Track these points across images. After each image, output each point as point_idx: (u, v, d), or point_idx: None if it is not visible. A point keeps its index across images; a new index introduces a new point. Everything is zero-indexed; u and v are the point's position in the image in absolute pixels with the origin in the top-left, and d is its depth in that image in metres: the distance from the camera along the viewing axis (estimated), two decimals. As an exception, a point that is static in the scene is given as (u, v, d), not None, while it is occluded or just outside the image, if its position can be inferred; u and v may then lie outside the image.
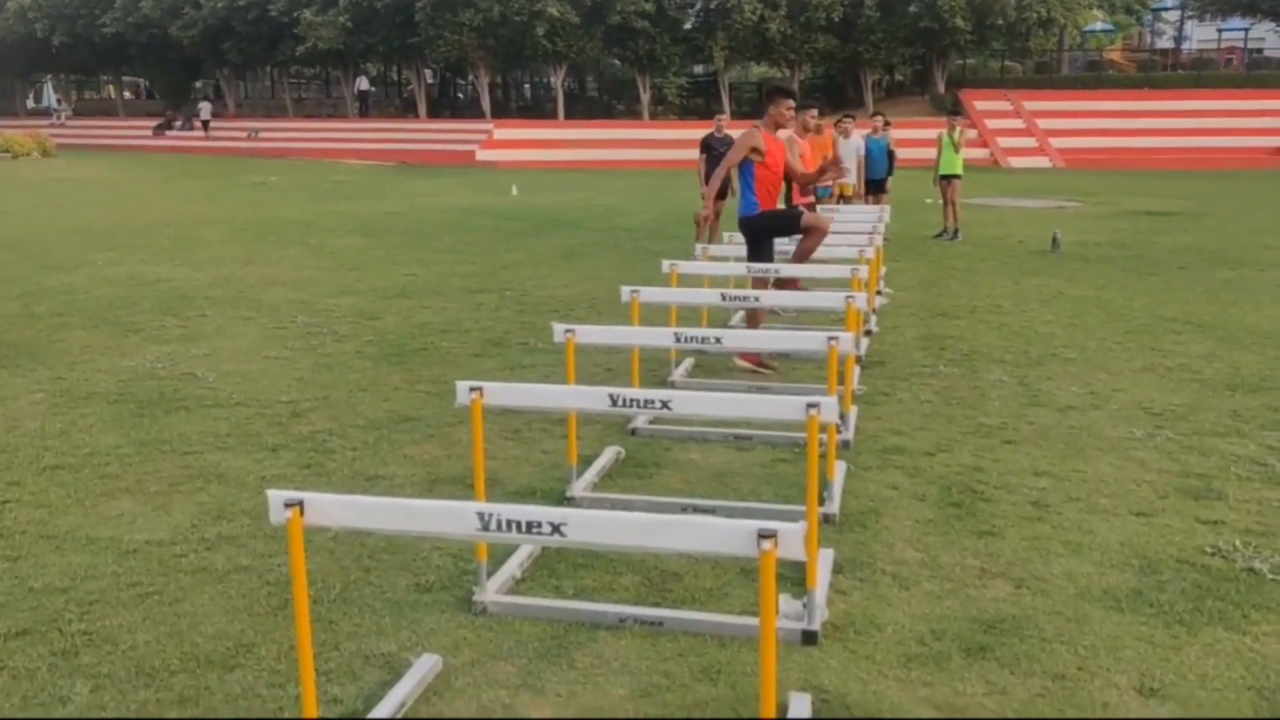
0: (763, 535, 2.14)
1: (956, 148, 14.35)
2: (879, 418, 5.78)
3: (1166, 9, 49.12)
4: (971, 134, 23.49)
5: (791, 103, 6.92)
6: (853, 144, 13.12)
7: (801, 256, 7.15)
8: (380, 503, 2.52)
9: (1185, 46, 46.52)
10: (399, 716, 2.84)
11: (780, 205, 7.71)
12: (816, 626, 3.28)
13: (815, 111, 9.96)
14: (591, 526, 2.27)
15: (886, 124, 14.49)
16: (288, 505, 2.42)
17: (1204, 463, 5.01)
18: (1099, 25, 46.42)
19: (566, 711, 2.90)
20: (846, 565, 3.85)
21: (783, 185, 7.59)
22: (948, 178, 14.24)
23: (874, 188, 13.76)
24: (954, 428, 5.59)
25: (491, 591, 3.51)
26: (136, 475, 4.80)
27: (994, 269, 11.46)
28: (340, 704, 2.92)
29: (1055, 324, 8.40)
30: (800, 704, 2.87)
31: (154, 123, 43.87)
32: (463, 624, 3.40)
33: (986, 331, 8.11)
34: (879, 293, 9.45)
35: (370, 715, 2.83)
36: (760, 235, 6.97)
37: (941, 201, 14.45)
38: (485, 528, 2.31)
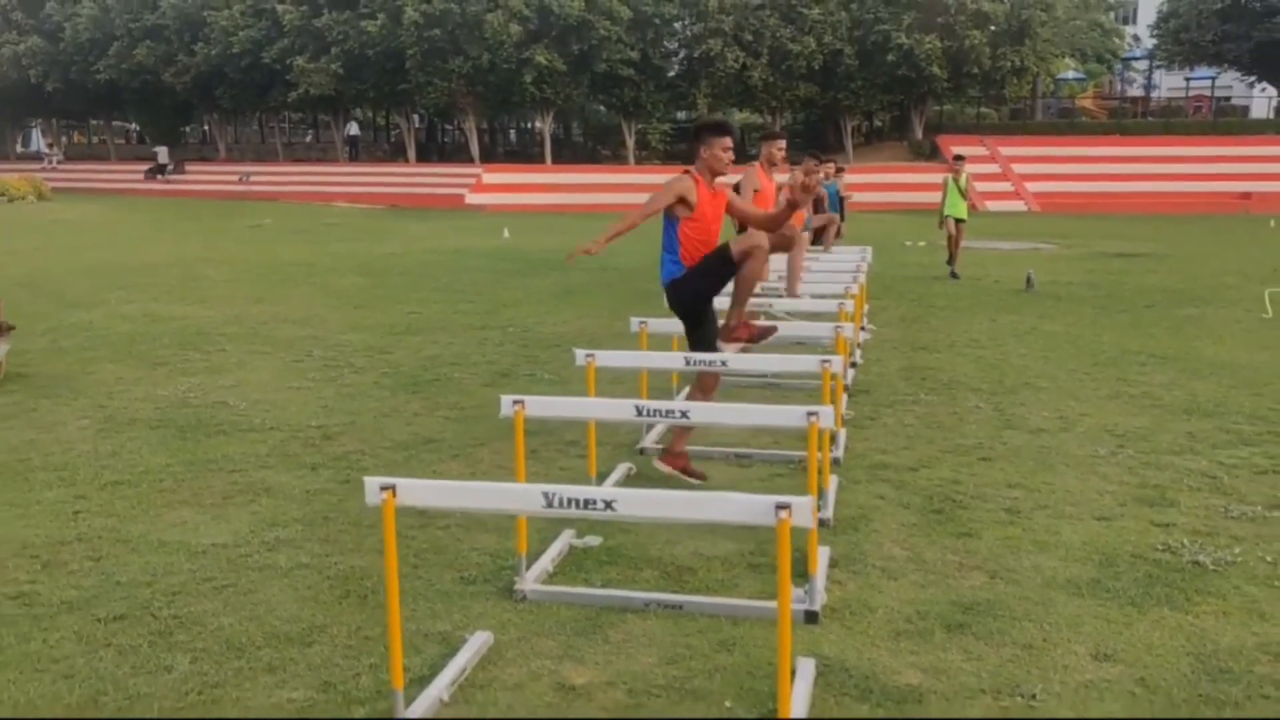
0: (779, 506, 2.64)
1: (963, 193, 14.88)
2: (866, 439, 6.29)
3: (1136, 58, 50.67)
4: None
5: (728, 141, 5.35)
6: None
7: (746, 284, 5.38)
8: (462, 485, 3.02)
9: (1155, 95, 47.94)
10: (462, 680, 3.30)
11: None
12: (817, 607, 3.77)
13: (782, 144, 8.13)
14: (638, 502, 2.76)
15: (839, 170, 14.95)
16: (383, 489, 2.89)
17: (1160, 476, 5.54)
18: (1071, 74, 47.85)
19: (604, 675, 3.37)
20: (841, 561, 4.34)
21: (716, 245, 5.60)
22: (953, 219, 14.79)
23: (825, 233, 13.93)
24: (934, 447, 6.11)
25: (530, 581, 3.98)
26: (191, 490, 5.25)
27: (971, 307, 12.06)
28: (409, 671, 3.38)
29: (1029, 357, 8.97)
30: (806, 666, 3.35)
31: (145, 166, 44.37)
32: (506, 608, 3.87)
33: (964, 363, 8.66)
34: (862, 328, 10.02)
35: (435, 678, 3.29)
36: (695, 302, 5.48)
37: (946, 241, 15.04)
38: (550, 505, 2.80)
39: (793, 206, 5.55)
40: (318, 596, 3.97)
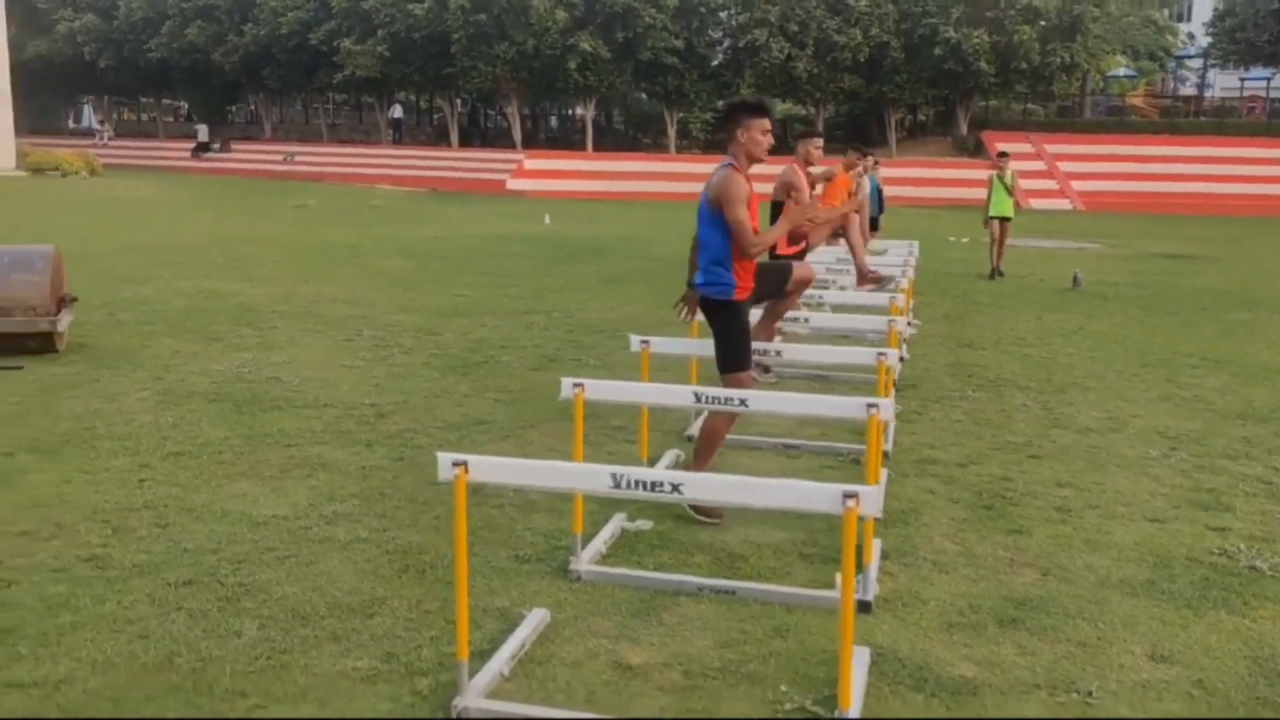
0: (847, 495, 2.68)
1: (1009, 190, 14.62)
2: (914, 434, 6.29)
3: (1190, 56, 49.86)
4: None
5: (767, 123, 4.70)
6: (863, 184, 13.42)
7: (783, 312, 5.88)
8: (531, 464, 3.08)
9: (1208, 94, 47.13)
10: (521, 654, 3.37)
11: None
12: (870, 597, 3.80)
13: (819, 142, 7.82)
14: (705, 486, 2.81)
15: (875, 163, 14.80)
16: (455, 465, 2.95)
17: (1214, 480, 5.51)
18: (1122, 71, 47.15)
19: (661, 656, 3.42)
20: (891, 554, 4.36)
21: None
22: (998, 219, 14.54)
23: (871, 225, 13.76)
24: (983, 444, 6.10)
25: (585, 562, 4.04)
26: (250, 462, 5.37)
27: (1017, 305, 11.98)
28: (469, 645, 3.45)
29: (1076, 356, 8.91)
30: (861, 655, 3.38)
31: (192, 144, 44.93)
32: (561, 588, 3.93)
33: (1011, 361, 8.62)
34: (908, 323, 9.99)
35: (496, 652, 3.36)
36: (739, 322, 4.88)
37: (989, 240, 14.84)
38: (617, 485, 2.85)
39: (793, 240, 5.69)
40: (377, 570, 4.05)
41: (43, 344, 7.62)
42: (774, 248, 6.81)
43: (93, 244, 15.32)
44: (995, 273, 14.55)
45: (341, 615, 3.66)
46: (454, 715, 3.03)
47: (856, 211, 11.01)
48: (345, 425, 6.13)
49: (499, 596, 3.85)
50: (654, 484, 2.84)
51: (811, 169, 7.83)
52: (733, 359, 4.76)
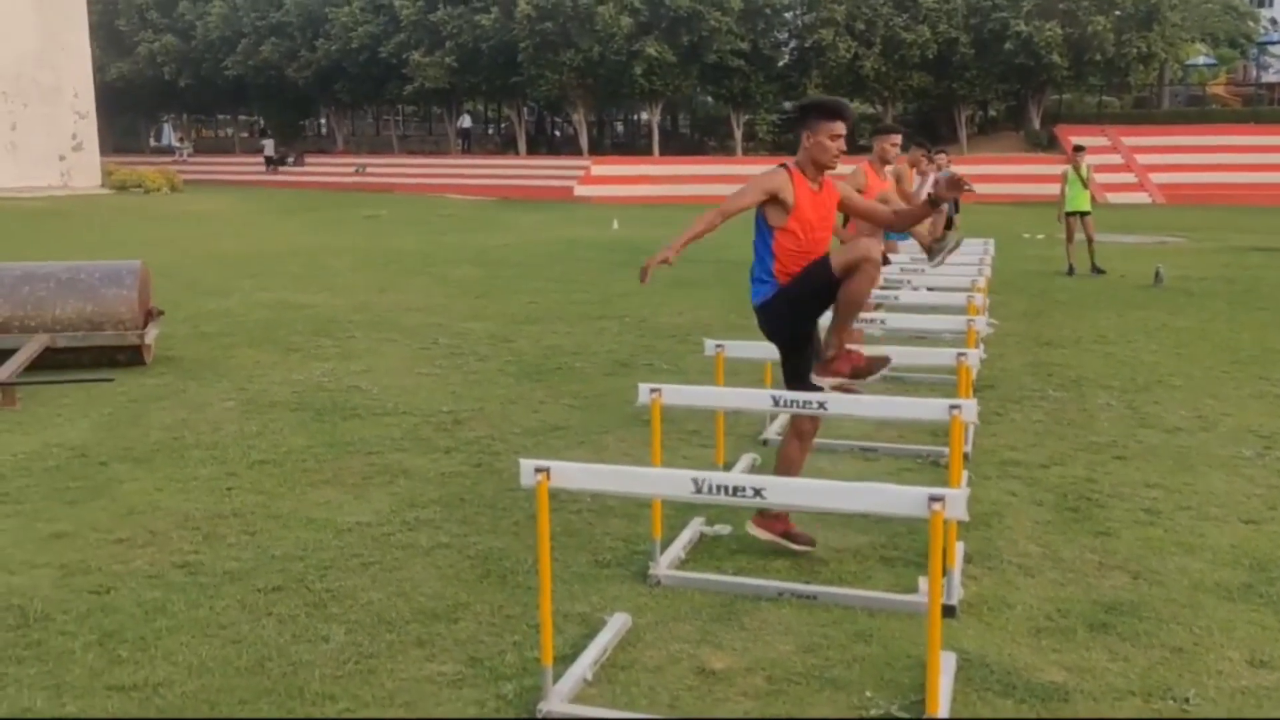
0: (933, 498, 2.64)
1: (1085, 183, 14.21)
2: (994, 435, 6.19)
3: (1273, 43, 48.25)
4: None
5: (839, 127, 4.24)
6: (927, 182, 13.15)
7: (850, 307, 4.28)
8: (613, 469, 3.10)
9: (1292, 80, 45.60)
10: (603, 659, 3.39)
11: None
12: (954, 601, 3.74)
13: (897, 139, 7.38)
14: (788, 490, 2.80)
15: (947, 160, 14.48)
16: (537, 471, 2.98)
17: (1311, 480, 5.32)
18: (1202, 60, 45.80)
19: (743, 661, 3.41)
20: (975, 557, 4.29)
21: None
22: (1076, 214, 14.17)
23: (946, 223, 13.40)
24: (1065, 444, 5.97)
25: (664, 566, 4.05)
26: (333, 470, 5.48)
27: (1096, 302, 11.71)
28: (553, 650, 3.47)
29: (1160, 354, 8.67)
30: (947, 660, 3.33)
31: (266, 159, 46.04)
32: (641, 593, 3.94)
33: (1092, 360, 8.42)
34: (986, 323, 9.82)
35: (579, 657, 3.38)
36: (792, 329, 4.39)
37: (1065, 237, 14.48)
38: (699, 491, 2.85)
39: (934, 203, 4.54)
40: (459, 575, 4.11)
41: (132, 356, 7.87)
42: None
43: (175, 258, 15.78)
44: (1073, 269, 14.22)
45: (425, 620, 3.71)
46: (539, 719, 3.05)
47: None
48: (424, 432, 6.22)
49: (579, 602, 3.87)
50: (736, 489, 2.83)
51: (889, 168, 7.56)
52: (816, 295, 4.30)
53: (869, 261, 4.15)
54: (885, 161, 7.21)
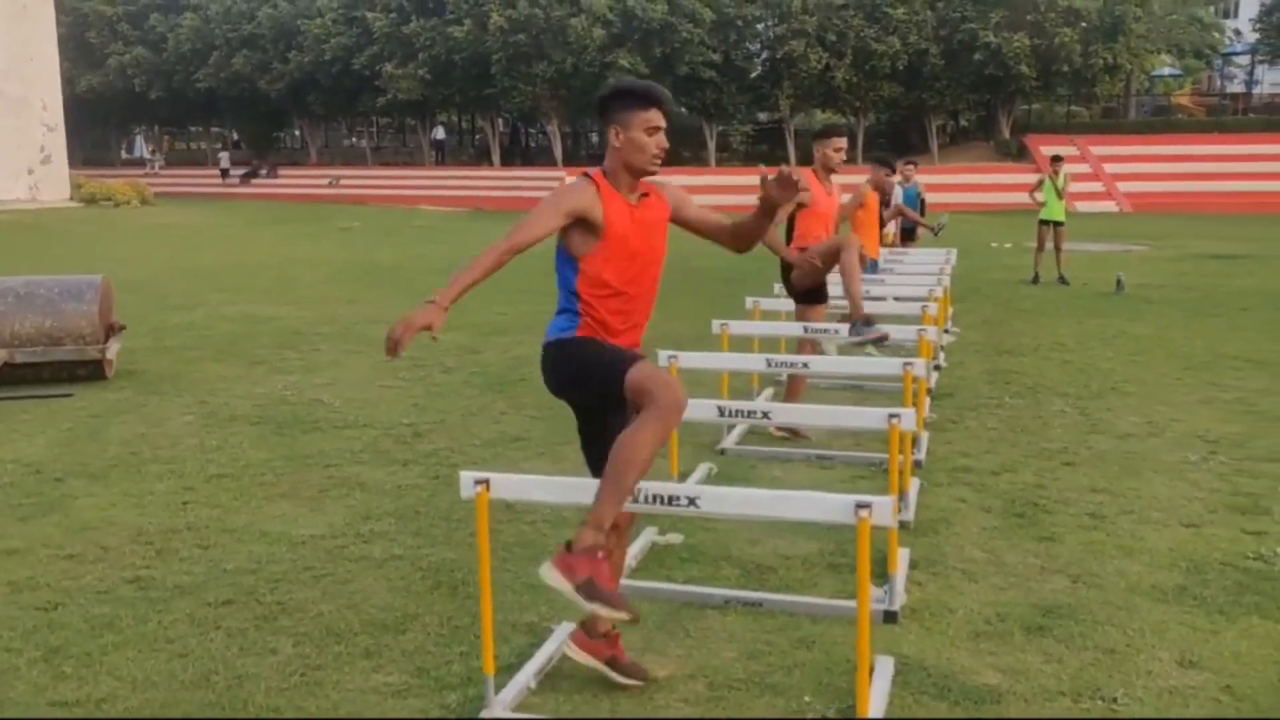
0: (860, 505, 2.71)
1: (1060, 194, 14.24)
2: (948, 442, 6.28)
3: (1237, 53, 48.94)
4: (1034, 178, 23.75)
5: (656, 117, 3.15)
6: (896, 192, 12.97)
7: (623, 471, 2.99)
8: (550, 480, 3.16)
9: (1256, 91, 46.26)
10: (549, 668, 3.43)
11: None
12: (896, 607, 3.81)
13: (842, 143, 6.33)
14: (720, 500, 2.85)
15: (914, 169, 14.37)
16: (477, 483, 3.03)
17: (1253, 484, 5.43)
18: (1167, 70, 46.44)
19: (686, 668, 3.46)
20: (921, 563, 4.36)
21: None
22: (1050, 223, 14.24)
23: (908, 235, 12.98)
24: (1018, 451, 6.07)
25: (613, 576, 4.09)
26: (290, 483, 5.49)
27: (1058, 310, 11.86)
28: (497, 659, 3.50)
29: (1116, 361, 8.81)
30: (885, 664, 3.40)
31: (240, 171, 45.87)
32: (590, 602, 3.97)
33: (1050, 367, 8.54)
34: (946, 330, 9.94)
35: (523, 666, 3.42)
36: (569, 396, 3.53)
37: (1035, 246, 14.58)
38: (635, 500, 2.90)
39: (767, 212, 3.19)
40: (410, 587, 4.14)
41: (93, 371, 7.85)
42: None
43: (142, 271, 15.71)
44: (1038, 278, 14.38)
45: (374, 632, 3.74)
46: (480, 728, 3.09)
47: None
48: (383, 445, 6.24)
49: (528, 611, 3.91)
50: (671, 498, 2.89)
51: (835, 179, 6.45)
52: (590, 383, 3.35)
53: (667, 407, 2.96)
54: (830, 170, 6.23)
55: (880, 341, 6.12)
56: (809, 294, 6.43)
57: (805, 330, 6.15)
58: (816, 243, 6.30)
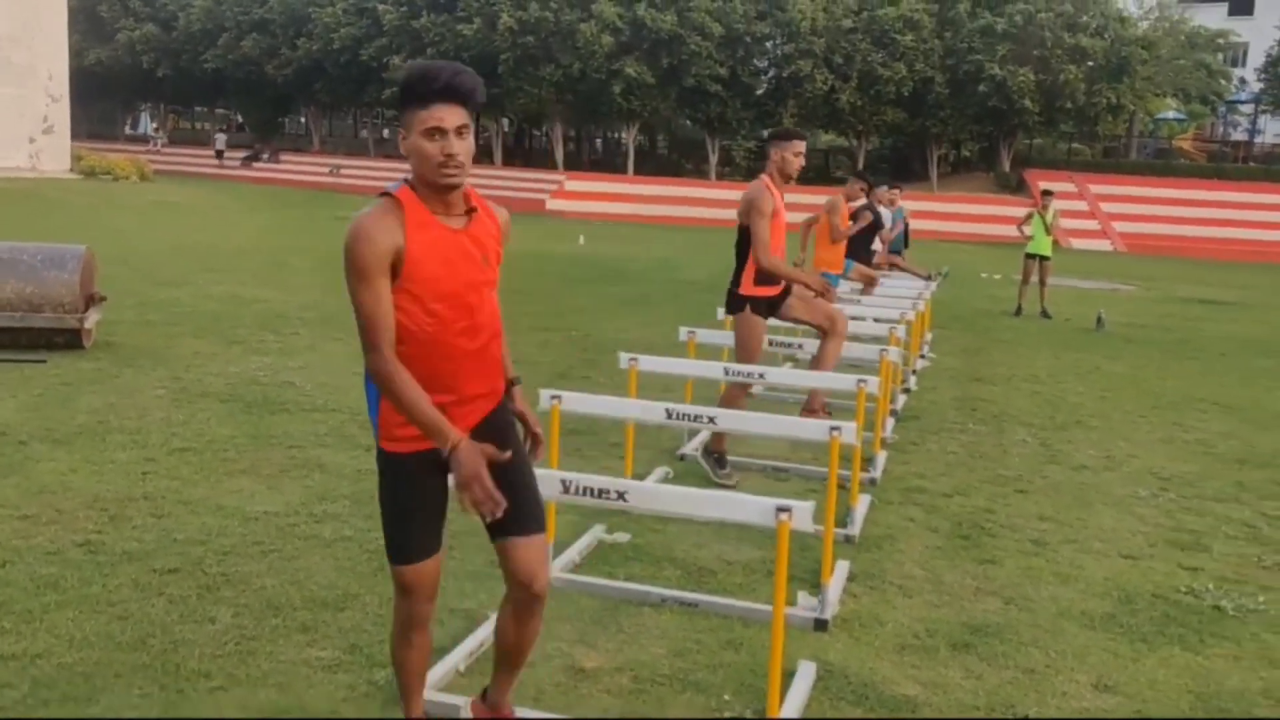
0: (780, 509, 2.79)
1: (1048, 228, 14.33)
2: (906, 463, 6.36)
3: (1242, 102, 49.30)
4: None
5: (441, 115, 2.46)
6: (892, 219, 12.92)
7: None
8: (486, 467, 3.21)
9: (1258, 140, 46.60)
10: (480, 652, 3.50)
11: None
12: (828, 616, 3.89)
13: (800, 146, 5.82)
14: (649, 495, 2.93)
15: (898, 194, 14.23)
16: (414, 465, 3.09)
17: (1198, 521, 5.53)
18: (1172, 114, 46.75)
19: (613, 661, 3.53)
20: (860, 576, 4.44)
21: None
22: (1036, 257, 14.33)
23: (895, 252, 12.74)
24: (973, 476, 6.16)
25: (556, 569, 4.16)
26: (251, 460, 5.56)
27: (1037, 342, 11.97)
28: (433, 642, 3.58)
29: (1086, 395, 8.91)
30: (807, 669, 3.48)
31: (243, 153, 45.96)
32: (530, 593, 4.05)
33: (1019, 397, 8.64)
34: (922, 355, 10.05)
35: (455, 649, 3.49)
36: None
37: (1021, 279, 14.68)
38: (566, 491, 2.98)
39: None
40: (355, 567, 4.21)
41: (70, 340, 7.90)
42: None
43: (135, 246, 15.76)
44: (1020, 310, 14.50)
45: (314, 608, 3.81)
46: (405, 705, 3.15)
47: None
48: (349, 430, 6.31)
49: (469, 599, 3.98)
50: (601, 491, 2.96)
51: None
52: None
53: (534, 600, 2.66)
54: (786, 176, 5.72)
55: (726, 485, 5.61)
56: (771, 308, 5.93)
57: (727, 373, 5.55)
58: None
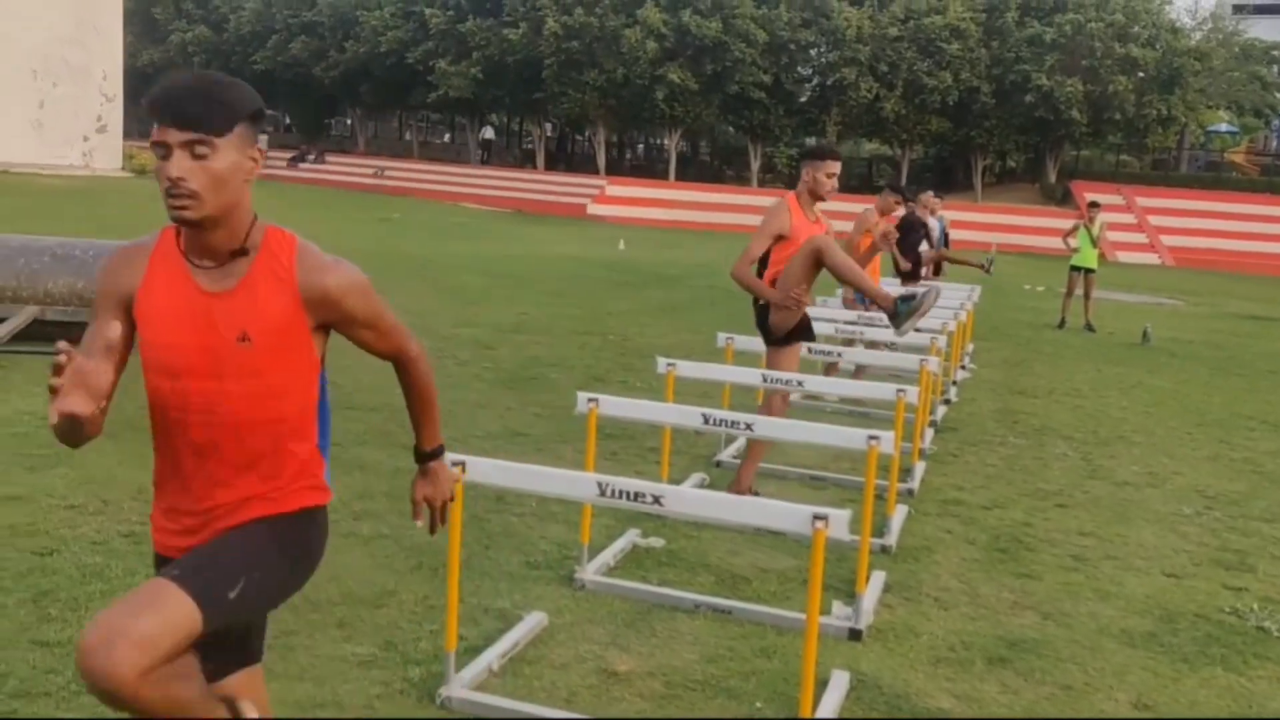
0: (817, 517, 2.78)
1: (1094, 241, 14.21)
2: (945, 474, 6.31)
3: (1296, 114, 48.40)
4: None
5: (163, 137, 1.95)
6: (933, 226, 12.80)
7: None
8: (523, 468, 3.25)
9: (1312, 154, 45.73)
10: (514, 653, 3.52)
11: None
12: (862, 626, 3.87)
13: (834, 167, 5.28)
14: (684, 500, 2.94)
15: (939, 203, 14.11)
16: (453, 464, 3.12)
17: (1243, 541, 5.43)
18: (1224, 126, 45.99)
19: (646, 665, 3.54)
20: (895, 587, 4.41)
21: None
22: (1081, 270, 14.17)
23: (935, 268, 12.44)
24: (1013, 489, 6.10)
25: (590, 572, 4.18)
26: (292, 457, 5.62)
27: (1079, 356, 11.83)
28: (464, 640, 3.60)
29: (1129, 410, 8.78)
30: (840, 679, 3.46)
31: (289, 154, 46.52)
32: (564, 595, 4.07)
33: (1060, 411, 8.54)
34: (962, 366, 9.96)
35: (488, 649, 3.51)
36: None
37: (1065, 291, 14.53)
38: (602, 494, 2.99)
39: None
40: (392, 564, 4.25)
41: (119, 335, 8.03)
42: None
43: (182, 244, 15.99)
44: (1064, 323, 14.32)
45: (351, 604, 3.85)
46: (438, 703, 3.19)
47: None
48: (389, 428, 6.37)
49: (503, 599, 4.01)
50: (637, 494, 2.97)
51: (822, 204, 5.45)
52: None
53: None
54: (817, 197, 5.25)
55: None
56: (793, 333, 5.36)
57: (765, 380, 5.21)
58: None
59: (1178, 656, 3.92)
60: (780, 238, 5.21)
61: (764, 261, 5.28)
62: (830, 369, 7.60)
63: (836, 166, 5.23)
